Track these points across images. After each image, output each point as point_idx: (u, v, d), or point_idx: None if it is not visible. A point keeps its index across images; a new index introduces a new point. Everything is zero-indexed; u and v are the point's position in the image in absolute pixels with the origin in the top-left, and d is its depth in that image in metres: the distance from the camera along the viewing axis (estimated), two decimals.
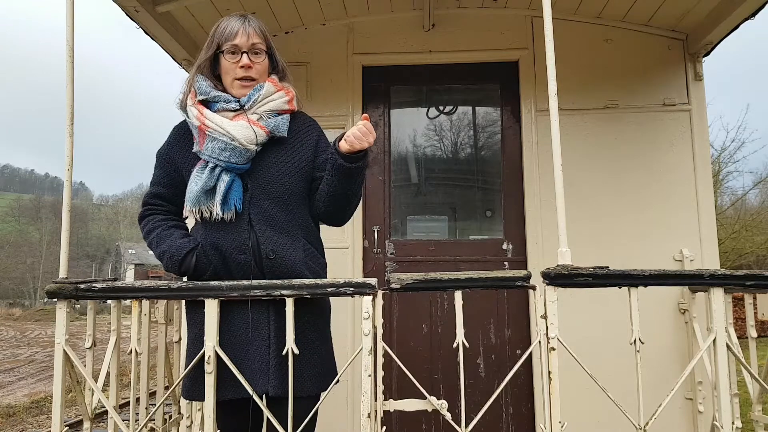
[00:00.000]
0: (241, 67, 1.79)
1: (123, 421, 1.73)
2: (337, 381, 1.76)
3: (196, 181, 1.75)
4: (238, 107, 1.78)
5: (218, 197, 1.71)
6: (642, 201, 3.24)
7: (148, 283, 1.73)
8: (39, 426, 7.53)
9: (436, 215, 3.57)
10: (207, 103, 1.80)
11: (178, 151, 1.87)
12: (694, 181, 3.22)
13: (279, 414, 1.62)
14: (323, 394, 1.72)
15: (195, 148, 1.78)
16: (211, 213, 1.73)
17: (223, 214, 1.72)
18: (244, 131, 1.73)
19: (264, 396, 1.65)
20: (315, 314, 1.79)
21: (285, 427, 1.58)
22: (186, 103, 1.83)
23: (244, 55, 1.79)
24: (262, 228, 1.75)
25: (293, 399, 1.62)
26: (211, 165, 1.74)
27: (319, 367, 1.76)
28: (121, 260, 57.33)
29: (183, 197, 1.82)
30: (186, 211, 1.78)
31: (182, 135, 1.88)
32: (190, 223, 1.92)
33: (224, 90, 1.83)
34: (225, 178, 1.73)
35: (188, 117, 1.81)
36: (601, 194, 3.26)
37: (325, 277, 1.86)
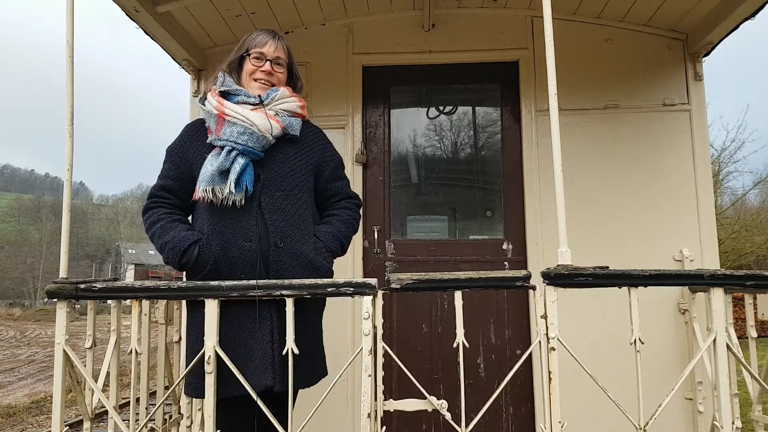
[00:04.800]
0: (263, 71, 1.94)
1: (123, 421, 1.73)
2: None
3: (211, 163, 1.82)
4: (257, 102, 1.90)
5: (232, 176, 1.78)
6: (642, 201, 3.24)
7: (148, 283, 1.74)
8: (39, 426, 7.54)
9: (436, 215, 3.57)
10: (227, 96, 1.92)
11: (191, 146, 1.94)
12: (694, 181, 3.22)
13: (285, 409, 1.63)
14: (330, 385, 1.73)
15: (210, 138, 1.87)
16: (222, 194, 1.78)
17: (236, 194, 1.78)
18: (262, 120, 1.85)
19: (272, 391, 1.70)
20: (316, 308, 1.92)
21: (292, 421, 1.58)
22: (206, 96, 1.95)
23: (268, 62, 1.95)
24: (273, 217, 1.83)
25: (303, 391, 1.72)
26: (227, 149, 1.81)
27: (323, 353, 1.92)
28: (121, 260, 57.23)
29: (190, 192, 1.88)
30: (198, 192, 1.82)
31: (195, 131, 1.98)
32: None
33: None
34: (240, 161, 1.80)
35: (206, 107, 1.92)
36: (601, 194, 3.26)
37: (333, 271, 1.95)
